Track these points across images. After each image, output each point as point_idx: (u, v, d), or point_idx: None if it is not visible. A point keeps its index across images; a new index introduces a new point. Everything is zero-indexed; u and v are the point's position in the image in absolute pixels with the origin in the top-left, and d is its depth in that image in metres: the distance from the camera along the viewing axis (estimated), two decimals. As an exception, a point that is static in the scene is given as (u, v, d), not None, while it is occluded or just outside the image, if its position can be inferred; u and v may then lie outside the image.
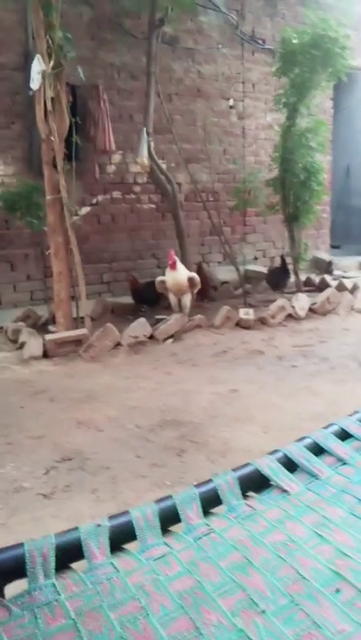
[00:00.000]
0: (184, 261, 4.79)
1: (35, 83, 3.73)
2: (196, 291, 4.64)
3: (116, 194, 5.46)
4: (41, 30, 3.63)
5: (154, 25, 4.76)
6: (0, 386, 3.34)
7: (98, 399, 3.10)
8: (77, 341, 3.92)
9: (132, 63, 5.30)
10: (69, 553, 0.60)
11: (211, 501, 0.70)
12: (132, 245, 5.66)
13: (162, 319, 4.41)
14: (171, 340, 4.22)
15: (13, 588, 0.57)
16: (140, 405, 2.99)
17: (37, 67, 3.69)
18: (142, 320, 4.26)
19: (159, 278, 4.55)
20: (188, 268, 4.74)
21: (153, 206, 5.71)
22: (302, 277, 5.58)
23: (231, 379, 3.37)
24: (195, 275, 4.53)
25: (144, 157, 4.73)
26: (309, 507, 0.69)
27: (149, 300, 5.00)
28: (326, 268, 6.60)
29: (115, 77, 5.25)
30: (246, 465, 0.75)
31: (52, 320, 4.31)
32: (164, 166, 5.24)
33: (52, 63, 3.65)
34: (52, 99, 3.72)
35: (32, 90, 3.81)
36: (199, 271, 5.05)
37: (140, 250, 5.72)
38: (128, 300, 5.20)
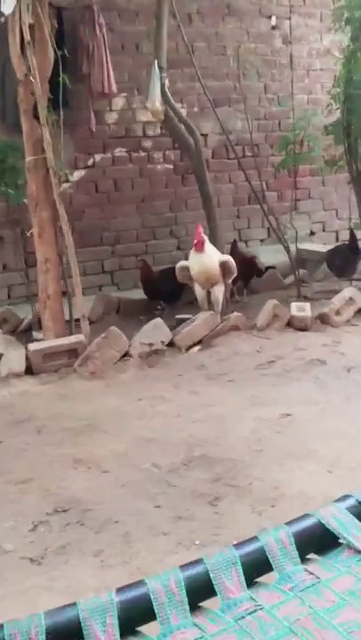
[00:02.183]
0: (214, 240, 4.77)
1: (7, 5, 3.77)
2: (230, 280, 4.61)
3: (120, 151, 5.47)
4: None
5: None
6: (-30, 414, 3.39)
7: (101, 429, 3.12)
8: (72, 352, 3.94)
9: (138, -27, 5.33)
10: (66, 637, 0.61)
11: (257, 567, 0.70)
12: (143, 221, 5.66)
13: (185, 320, 4.41)
14: (197, 348, 4.21)
15: None
16: (157, 437, 3.00)
17: (10, -17, 3.73)
18: (158, 321, 4.26)
19: (181, 264, 4.54)
20: (220, 249, 4.72)
21: (170, 167, 5.71)
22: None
23: (282, 399, 3.35)
24: (229, 258, 4.51)
25: (156, 101, 4.73)
26: (394, 574, 0.68)
27: (168, 293, 5.01)
28: None
29: (114, -6, 5.28)
30: (305, 517, 0.75)
31: (38, 324, 4.34)
32: (183, 112, 5.22)
33: (29, -22, 3.69)
34: (31, 26, 3.76)
35: (3, 15, 3.85)
36: (234, 253, 5.02)
37: (154, 226, 5.71)
38: (139, 294, 5.20)
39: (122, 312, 5.07)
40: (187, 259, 4.57)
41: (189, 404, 3.36)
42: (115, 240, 5.58)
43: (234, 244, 5.40)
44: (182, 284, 4.67)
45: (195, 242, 4.40)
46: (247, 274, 5.21)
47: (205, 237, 4.44)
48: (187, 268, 4.48)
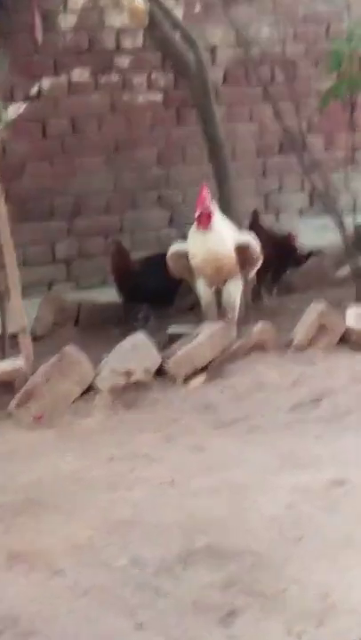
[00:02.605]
0: (227, 210, 4.78)
1: None
2: (253, 272, 4.64)
3: (80, 73, 5.50)
4: None
5: None
6: None
7: (51, 505, 3.10)
8: (6, 385, 3.96)
9: None
10: None
11: None
12: (117, 180, 5.69)
13: (181, 335, 4.43)
14: (202, 379, 4.22)
15: None
16: (139, 518, 2.98)
17: None
18: (140, 338, 4.27)
19: (175, 248, 4.55)
20: (238, 224, 4.72)
21: (157, 97, 5.74)
22: None
23: (332, 458, 3.36)
24: (249, 239, 4.52)
25: (136, -5, 4.75)
26: None
27: (154, 294, 5.02)
28: None
29: None
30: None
31: None
32: (179, 13, 5.26)
33: None
34: None
35: None
36: (258, 230, 5.01)
37: (134, 189, 5.75)
38: (110, 295, 5.22)
39: (83, 323, 5.09)
40: (185, 240, 4.56)
41: (189, 467, 3.35)
42: (73, 211, 5.59)
43: (256, 216, 5.39)
44: (177, 279, 4.69)
45: (197, 214, 4.39)
46: (279, 262, 5.23)
47: (214, 206, 4.44)
48: (185, 255, 4.48)
